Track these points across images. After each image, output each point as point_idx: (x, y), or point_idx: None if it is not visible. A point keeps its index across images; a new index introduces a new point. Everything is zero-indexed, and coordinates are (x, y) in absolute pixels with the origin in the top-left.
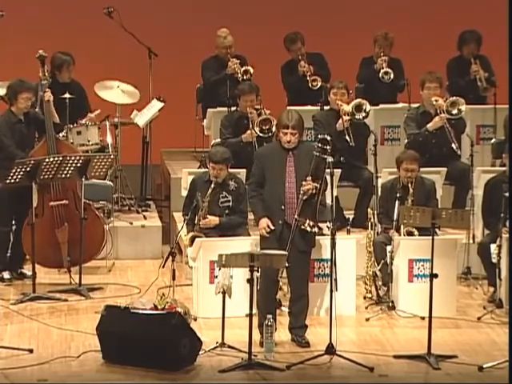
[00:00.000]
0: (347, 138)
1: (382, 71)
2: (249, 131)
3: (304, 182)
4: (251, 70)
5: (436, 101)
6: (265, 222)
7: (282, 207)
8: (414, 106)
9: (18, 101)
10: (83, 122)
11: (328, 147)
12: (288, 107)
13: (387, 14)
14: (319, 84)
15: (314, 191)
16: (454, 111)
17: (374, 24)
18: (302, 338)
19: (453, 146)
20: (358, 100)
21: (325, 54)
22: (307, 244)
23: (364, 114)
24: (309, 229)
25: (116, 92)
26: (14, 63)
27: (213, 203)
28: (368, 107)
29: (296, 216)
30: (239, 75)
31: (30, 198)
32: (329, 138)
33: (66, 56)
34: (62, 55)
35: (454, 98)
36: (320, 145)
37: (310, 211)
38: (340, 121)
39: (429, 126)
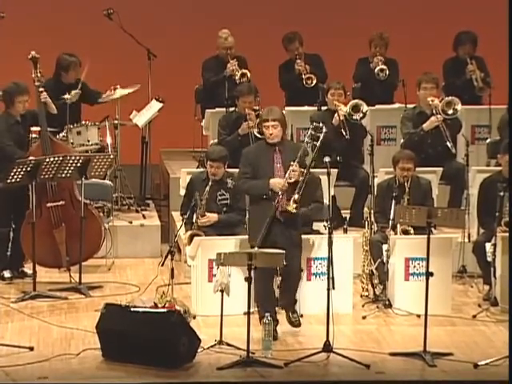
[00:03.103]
0: (343, 131)
1: (377, 68)
2: (245, 123)
3: (291, 167)
4: (248, 74)
5: (432, 101)
6: (276, 179)
7: (273, 203)
8: (411, 106)
9: (14, 104)
10: (103, 100)
11: (320, 134)
12: (286, 107)
13: (384, 15)
14: (314, 82)
15: (298, 177)
16: (450, 111)
17: (371, 25)
18: (294, 316)
19: (448, 144)
20: (355, 101)
21: (322, 54)
22: (295, 230)
23: (361, 115)
24: (291, 208)
25: (118, 91)
26: (13, 65)
27: (210, 201)
28: (365, 108)
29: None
30: (237, 77)
31: (27, 199)
32: (324, 128)
33: (72, 57)
34: (68, 56)
35: (450, 97)
36: (313, 132)
37: (292, 194)
38: (336, 115)
39: (424, 125)
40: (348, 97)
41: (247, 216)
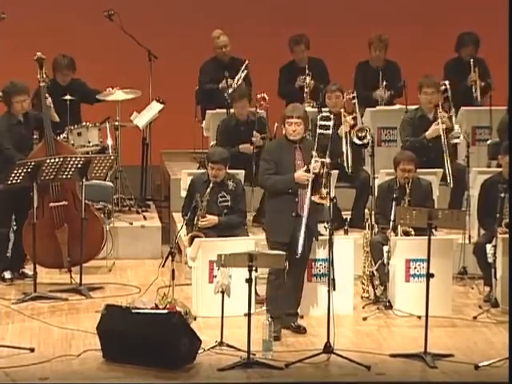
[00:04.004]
0: (345, 167)
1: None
2: (248, 145)
3: (313, 161)
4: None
5: (442, 117)
6: (300, 172)
7: (296, 199)
8: (412, 107)
9: (12, 104)
10: (102, 97)
11: (329, 123)
12: None
13: (384, 15)
14: (313, 106)
15: (321, 168)
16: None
17: (371, 26)
18: (297, 324)
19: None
20: (362, 126)
21: (321, 54)
22: (315, 233)
23: (365, 141)
24: (320, 200)
25: (117, 93)
26: (14, 65)
27: (211, 203)
28: (369, 136)
29: (308, 193)
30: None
31: (30, 199)
32: (332, 115)
33: (66, 58)
34: (62, 58)
35: (457, 126)
36: (322, 122)
37: (318, 185)
38: (342, 127)
39: (427, 134)
40: (348, 96)
41: (266, 214)
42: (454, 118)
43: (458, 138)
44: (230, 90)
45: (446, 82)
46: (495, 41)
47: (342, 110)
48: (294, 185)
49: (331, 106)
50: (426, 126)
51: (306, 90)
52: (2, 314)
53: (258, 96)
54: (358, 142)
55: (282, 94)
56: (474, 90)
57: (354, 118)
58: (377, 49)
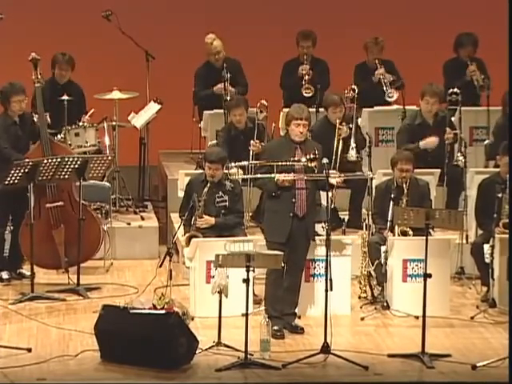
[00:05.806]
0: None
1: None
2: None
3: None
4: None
5: (448, 131)
6: (281, 175)
7: (293, 200)
8: (409, 108)
9: (10, 104)
10: (80, 124)
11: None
12: (284, 108)
13: (383, 16)
14: (311, 94)
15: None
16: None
17: (371, 28)
18: (295, 324)
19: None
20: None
21: (319, 54)
22: (312, 233)
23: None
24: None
25: (115, 93)
26: (13, 66)
27: (209, 203)
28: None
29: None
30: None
31: (26, 200)
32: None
33: (66, 55)
34: (61, 55)
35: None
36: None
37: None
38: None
39: (421, 143)
40: (348, 94)
41: (264, 214)
42: (459, 135)
43: (457, 164)
44: (228, 98)
45: (457, 91)
46: (494, 41)
47: (338, 124)
48: (277, 188)
49: (334, 118)
50: (426, 132)
51: (305, 77)
52: (0, 314)
53: (258, 103)
54: (353, 159)
55: (283, 85)
56: (475, 80)
57: (350, 129)
58: (373, 52)
